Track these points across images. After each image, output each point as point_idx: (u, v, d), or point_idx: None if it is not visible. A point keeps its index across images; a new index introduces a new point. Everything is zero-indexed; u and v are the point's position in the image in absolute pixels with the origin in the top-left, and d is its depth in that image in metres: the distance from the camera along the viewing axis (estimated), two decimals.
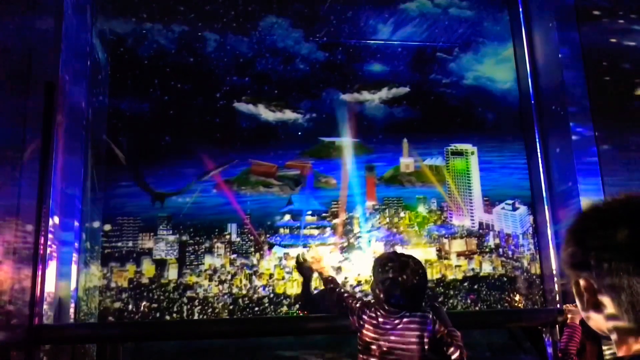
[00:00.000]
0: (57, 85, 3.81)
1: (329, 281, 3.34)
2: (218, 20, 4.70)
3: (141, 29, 4.60)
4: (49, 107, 3.70)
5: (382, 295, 2.67)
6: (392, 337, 2.59)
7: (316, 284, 4.25)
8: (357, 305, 2.86)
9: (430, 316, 2.65)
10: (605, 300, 1.02)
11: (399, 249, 4.48)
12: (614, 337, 1.04)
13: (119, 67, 4.53)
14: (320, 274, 3.57)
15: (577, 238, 1.07)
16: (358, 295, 3.82)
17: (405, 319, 2.61)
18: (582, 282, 1.06)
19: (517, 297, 4.53)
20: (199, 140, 4.47)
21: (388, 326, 2.61)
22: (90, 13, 4.45)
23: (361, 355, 2.69)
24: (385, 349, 2.59)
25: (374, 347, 2.62)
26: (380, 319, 2.64)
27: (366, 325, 2.70)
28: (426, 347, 2.58)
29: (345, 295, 3.06)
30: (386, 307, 2.66)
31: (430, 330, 2.60)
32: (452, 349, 2.62)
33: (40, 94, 3.72)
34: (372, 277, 2.81)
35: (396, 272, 2.63)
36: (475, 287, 4.51)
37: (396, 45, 4.91)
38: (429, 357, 2.61)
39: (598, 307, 1.04)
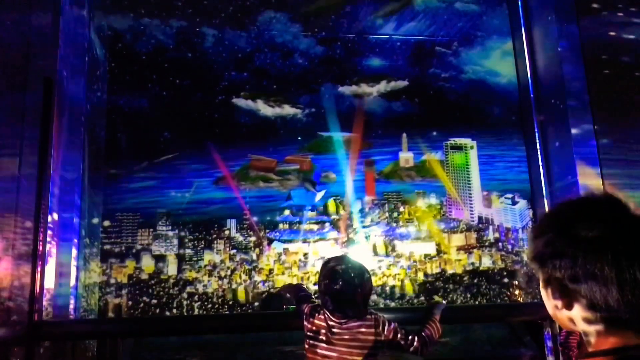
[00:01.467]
0: (55, 81, 3.79)
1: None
2: (216, 15, 4.69)
3: (139, 24, 4.59)
4: (48, 103, 3.69)
5: (325, 303, 2.65)
6: (340, 340, 2.56)
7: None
8: (308, 299, 2.85)
9: (378, 318, 2.62)
10: (581, 290, 1.02)
11: (399, 245, 4.48)
12: (583, 330, 1.04)
13: (118, 62, 4.53)
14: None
15: (555, 226, 1.07)
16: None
17: (352, 324, 2.58)
18: (552, 278, 1.06)
19: (517, 291, 4.54)
20: (197, 135, 4.47)
21: (335, 329, 2.59)
22: (88, 8, 4.43)
23: (306, 345, 2.65)
24: (331, 352, 2.56)
25: (319, 345, 2.59)
26: (329, 322, 2.62)
27: (314, 321, 2.66)
28: (376, 349, 2.56)
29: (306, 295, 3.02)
30: (333, 312, 2.63)
31: (379, 333, 2.58)
32: (410, 339, 2.62)
33: (39, 90, 3.70)
34: (322, 283, 2.75)
35: (334, 282, 2.60)
36: (475, 281, 4.51)
37: (395, 39, 4.90)
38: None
39: (570, 297, 1.04)
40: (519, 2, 4.93)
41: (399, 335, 2.62)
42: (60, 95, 3.90)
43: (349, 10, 4.87)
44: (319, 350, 2.57)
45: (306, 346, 2.65)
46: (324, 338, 2.58)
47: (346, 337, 2.55)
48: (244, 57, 4.68)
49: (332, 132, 4.65)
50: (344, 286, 2.55)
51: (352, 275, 2.60)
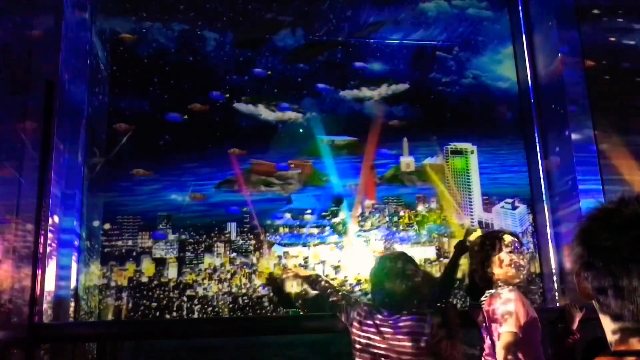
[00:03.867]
0: (57, 84, 3.80)
1: (316, 281, 3.21)
2: (218, 19, 4.70)
3: (141, 27, 4.60)
4: (49, 106, 3.69)
5: (376, 297, 2.64)
6: (387, 339, 2.54)
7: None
8: (347, 302, 2.81)
9: (429, 318, 2.60)
10: (608, 300, 1.03)
11: (398, 248, 4.48)
12: (614, 338, 1.05)
13: (119, 65, 4.53)
14: (305, 278, 3.47)
15: (582, 238, 1.08)
16: (353, 294, 3.69)
17: (400, 322, 2.56)
18: (589, 285, 1.07)
19: None
20: (198, 139, 4.47)
21: (383, 328, 2.57)
22: (90, 12, 4.45)
23: (356, 353, 2.64)
24: (379, 350, 2.54)
25: (367, 347, 2.58)
26: (377, 321, 2.60)
27: (357, 324, 2.65)
28: (423, 350, 2.52)
29: (333, 291, 3.00)
30: (380, 309, 2.62)
31: (428, 333, 2.55)
32: (450, 352, 2.60)
33: (40, 93, 3.70)
34: (370, 279, 2.77)
35: (389, 273, 2.60)
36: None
37: (396, 44, 4.91)
38: None
39: (601, 307, 1.05)
40: (520, 8, 4.95)
41: (446, 343, 2.58)
42: (62, 98, 3.91)
43: (350, 14, 4.88)
44: (373, 351, 2.54)
45: (358, 353, 2.60)
46: (376, 338, 2.55)
47: (393, 334, 2.52)
48: (245, 60, 4.69)
49: (332, 136, 4.66)
50: (398, 281, 2.55)
51: (406, 268, 2.59)
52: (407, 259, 2.73)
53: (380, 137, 4.69)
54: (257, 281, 4.31)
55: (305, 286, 3.44)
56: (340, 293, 2.98)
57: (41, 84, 3.73)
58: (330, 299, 2.91)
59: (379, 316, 2.59)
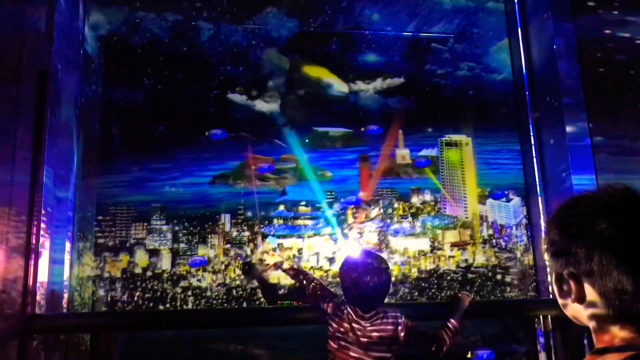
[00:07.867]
0: (50, 74, 3.77)
1: (298, 273, 3.22)
2: (212, 9, 4.67)
3: (134, 17, 4.57)
4: (42, 96, 3.67)
5: (351, 299, 2.63)
6: (365, 337, 2.55)
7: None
8: (330, 296, 2.81)
9: (400, 315, 2.64)
10: (584, 287, 1.03)
11: (393, 240, 4.49)
12: (592, 324, 1.05)
13: (112, 56, 4.50)
14: (285, 271, 3.46)
15: (558, 225, 1.09)
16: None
17: (377, 319, 2.57)
18: (565, 271, 1.07)
19: (510, 288, 4.55)
20: (192, 130, 4.45)
21: (358, 326, 2.57)
22: (83, 1, 4.42)
23: (332, 344, 2.64)
24: (357, 346, 2.55)
25: (346, 340, 2.58)
26: (353, 317, 2.60)
27: (339, 320, 2.64)
28: (395, 348, 2.56)
29: (317, 283, 2.98)
30: (356, 308, 2.62)
31: (401, 329, 2.58)
32: (425, 343, 2.62)
33: (33, 83, 3.68)
34: (340, 279, 2.76)
35: (363, 273, 2.59)
36: (469, 277, 4.53)
37: (391, 35, 4.90)
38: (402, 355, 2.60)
39: (579, 295, 1.05)
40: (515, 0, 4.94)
41: (415, 337, 2.61)
42: (55, 88, 3.88)
43: (345, 5, 4.86)
44: (349, 352, 2.55)
45: (334, 346, 2.62)
46: (351, 335, 2.56)
47: (369, 334, 2.54)
48: (240, 51, 4.67)
49: (327, 127, 4.65)
50: (373, 280, 2.55)
51: (381, 268, 2.60)
52: (379, 256, 2.74)
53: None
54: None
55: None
56: (318, 282, 2.94)
57: (34, 74, 3.71)
58: (317, 292, 2.88)
59: (355, 314, 2.59)
